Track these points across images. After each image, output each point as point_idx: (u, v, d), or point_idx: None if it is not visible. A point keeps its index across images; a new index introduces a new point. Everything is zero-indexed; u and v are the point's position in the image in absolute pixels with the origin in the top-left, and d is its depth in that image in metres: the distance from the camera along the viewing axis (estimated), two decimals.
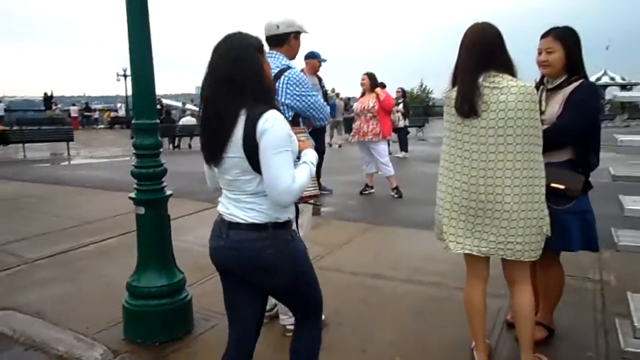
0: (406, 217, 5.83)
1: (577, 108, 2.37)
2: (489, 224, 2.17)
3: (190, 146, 16.68)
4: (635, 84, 31.82)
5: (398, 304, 3.37)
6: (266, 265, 1.74)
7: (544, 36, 2.48)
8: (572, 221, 2.41)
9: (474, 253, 2.24)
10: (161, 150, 2.94)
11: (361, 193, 7.18)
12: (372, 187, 7.26)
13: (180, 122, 18.32)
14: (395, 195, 6.93)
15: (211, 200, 7.04)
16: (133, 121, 2.92)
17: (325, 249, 4.40)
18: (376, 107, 6.76)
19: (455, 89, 2.22)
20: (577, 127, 2.38)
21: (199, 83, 1.80)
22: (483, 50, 2.16)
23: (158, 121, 2.95)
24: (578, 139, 2.41)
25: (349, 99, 21.11)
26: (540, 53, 2.47)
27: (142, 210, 2.87)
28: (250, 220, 1.73)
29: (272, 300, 2.67)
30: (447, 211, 2.27)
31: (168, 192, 2.94)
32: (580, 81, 2.42)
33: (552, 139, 2.27)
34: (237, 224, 1.74)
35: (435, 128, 25.40)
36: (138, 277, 2.92)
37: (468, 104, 2.13)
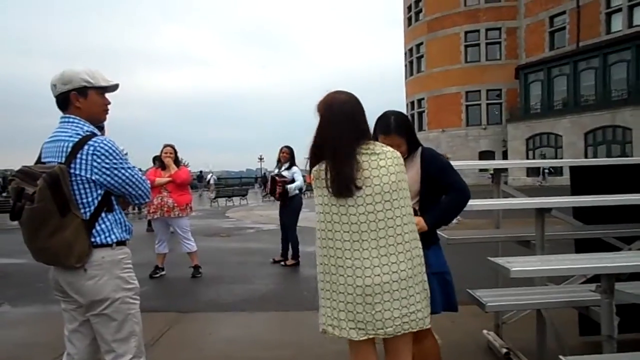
0: (215, 298, 5.25)
1: (449, 167, 2.55)
2: (388, 300, 1.96)
3: None
4: None
5: None
6: None
7: (386, 132, 2.47)
8: (434, 283, 2.37)
9: (380, 336, 1.99)
10: None
11: (151, 276, 6.26)
12: (163, 269, 6.43)
13: None
14: (197, 275, 6.29)
15: None
16: None
17: None
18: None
19: (324, 163, 2.02)
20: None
21: None
22: (356, 121, 2.06)
23: None
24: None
25: None
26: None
27: None
28: None
29: None
30: (342, 295, 1.98)
31: None
32: (421, 147, 2.55)
33: (464, 201, 2.46)
34: None
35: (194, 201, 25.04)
36: None
37: (348, 178, 1.95)
